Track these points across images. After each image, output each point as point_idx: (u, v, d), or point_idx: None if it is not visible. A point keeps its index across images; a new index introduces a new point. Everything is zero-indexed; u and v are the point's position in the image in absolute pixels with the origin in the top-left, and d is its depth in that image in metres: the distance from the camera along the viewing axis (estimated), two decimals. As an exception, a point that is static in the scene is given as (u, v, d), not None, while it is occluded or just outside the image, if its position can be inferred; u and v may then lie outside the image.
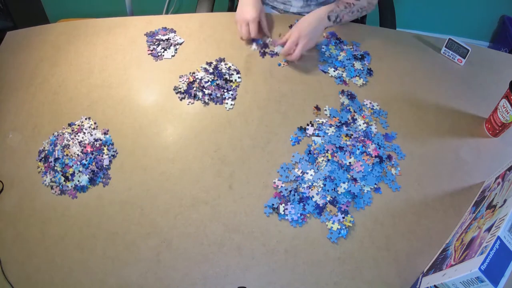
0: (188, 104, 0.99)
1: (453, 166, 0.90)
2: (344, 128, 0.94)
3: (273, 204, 0.83)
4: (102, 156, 0.90)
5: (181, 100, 1.00)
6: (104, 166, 0.88)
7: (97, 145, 0.91)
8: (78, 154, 0.89)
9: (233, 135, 0.94)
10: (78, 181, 0.86)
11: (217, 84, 1.02)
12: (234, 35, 1.14)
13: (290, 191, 0.84)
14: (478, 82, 1.06)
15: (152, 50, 1.10)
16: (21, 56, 1.11)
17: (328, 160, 0.89)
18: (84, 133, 0.93)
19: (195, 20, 1.19)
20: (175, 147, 0.92)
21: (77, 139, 0.92)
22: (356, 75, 1.05)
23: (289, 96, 1.01)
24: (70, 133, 0.93)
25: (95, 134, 0.93)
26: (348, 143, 0.91)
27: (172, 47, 1.10)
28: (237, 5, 1.49)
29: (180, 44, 1.12)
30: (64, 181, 0.86)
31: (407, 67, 1.08)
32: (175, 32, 1.15)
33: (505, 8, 2.09)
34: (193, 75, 1.04)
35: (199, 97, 1.00)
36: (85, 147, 0.91)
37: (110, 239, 0.79)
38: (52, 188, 0.86)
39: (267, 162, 0.89)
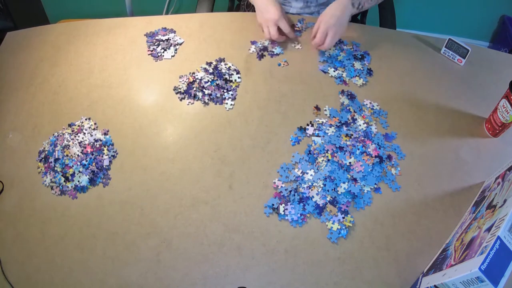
0: (188, 104, 1.00)
1: (453, 166, 0.90)
2: (344, 128, 0.94)
3: (273, 204, 0.83)
4: (102, 156, 0.90)
5: (181, 100, 1.00)
6: (104, 166, 0.88)
7: (97, 146, 0.91)
8: (78, 155, 0.90)
9: (233, 135, 0.94)
10: (78, 181, 0.86)
11: (217, 84, 1.02)
12: (234, 35, 1.14)
13: (290, 191, 0.84)
14: (478, 82, 1.06)
15: (152, 50, 1.10)
16: (21, 56, 1.11)
17: (328, 160, 0.89)
18: (84, 133, 0.93)
19: (195, 20, 1.19)
20: (175, 147, 0.92)
21: (77, 139, 0.92)
22: (356, 75, 1.05)
23: (289, 96, 1.01)
24: (70, 133, 0.93)
25: (95, 134, 0.93)
26: (348, 143, 0.91)
27: (172, 47, 1.11)
28: (237, 5, 1.50)
29: (180, 44, 1.12)
30: (64, 181, 0.86)
31: (407, 67, 1.08)
32: (175, 32, 1.15)
33: (505, 8, 2.09)
34: (193, 75, 1.04)
35: (199, 97, 1.00)
36: (85, 147, 0.91)
37: (110, 239, 0.79)
38: (52, 188, 0.86)
39: (267, 162, 0.89)
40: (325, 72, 1.06)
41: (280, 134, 0.94)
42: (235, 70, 1.06)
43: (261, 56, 1.09)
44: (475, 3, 2.07)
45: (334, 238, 0.79)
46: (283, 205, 0.83)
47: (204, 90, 1.01)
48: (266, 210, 0.82)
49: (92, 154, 0.90)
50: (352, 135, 0.93)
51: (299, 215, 0.81)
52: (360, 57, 1.09)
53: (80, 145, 0.91)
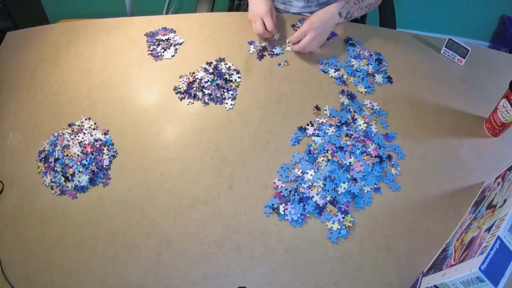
0: (188, 104, 1.00)
1: (453, 166, 0.90)
2: (344, 128, 0.94)
3: (273, 204, 0.83)
4: (102, 156, 0.90)
5: (181, 100, 1.00)
6: (104, 166, 0.88)
7: (97, 146, 0.91)
8: (78, 155, 0.90)
9: (233, 135, 0.94)
10: (78, 181, 0.86)
11: (217, 84, 1.02)
12: (234, 35, 1.14)
13: (290, 191, 0.84)
14: (478, 82, 1.06)
15: (152, 50, 1.10)
16: (21, 56, 1.11)
17: (328, 160, 0.89)
18: (84, 133, 0.93)
19: (195, 20, 1.19)
20: (175, 147, 0.92)
21: (77, 139, 0.92)
22: (368, 86, 1.03)
23: (289, 96, 1.01)
24: (70, 133, 0.93)
25: (95, 134, 0.93)
26: (348, 143, 0.91)
27: (172, 47, 1.11)
28: (237, 5, 1.50)
29: (180, 44, 1.12)
30: (64, 181, 0.86)
31: (407, 67, 1.08)
32: (175, 32, 1.15)
33: (505, 8, 2.09)
34: (193, 75, 1.04)
35: (199, 97, 1.00)
36: (85, 147, 0.91)
37: (110, 239, 0.79)
38: (52, 188, 0.86)
39: (267, 162, 0.89)
40: (325, 72, 1.06)
41: (280, 134, 0.94)
42: (235, 70, 1.06)
43: (261, 56, 1.09)
44: (475, 3, 2.07)
45: (334, 238, 0.79)
46: (283, 205, 0.83)
47: (204, 90, 1.01)
48: (266, 210, 0.82)
49: (92, 154, 0.90)
50: (352, 135, 0.93)
51: (299, 215, 0.82)
52: (376, 63, 1.07)
53: (80, 145, 0.91)
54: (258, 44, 1.11)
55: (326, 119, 0.96)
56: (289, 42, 1.11)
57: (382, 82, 1.04)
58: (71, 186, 0.86)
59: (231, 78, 1.04)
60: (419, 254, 0.77)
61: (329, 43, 1.12)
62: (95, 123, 0.95)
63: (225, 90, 1.01)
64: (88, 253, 0.78)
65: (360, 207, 0.83)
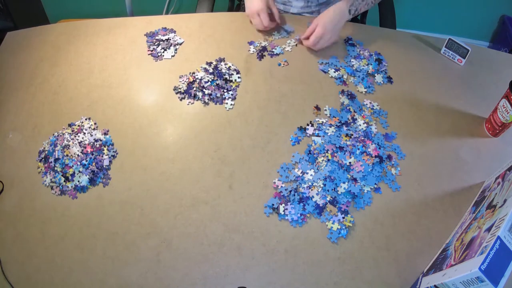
0: (188, 104, 1.00)
1: (453, 166, 0.90)
2: (344, 128, 0.94)
3: (273, 204, 0.83)
4: (102, 156, 0.90)
5: (181, 100, 1.00)
6: (104, 166, 0.88)
7: (97, 146, 0.91)
8: (78, 155, 0.90)
9: (233, 135, 0.94)
10: (78, 181, 0.86)
11: (217, 84, 1.02)
12: (234, 35, 1.14)
13: (290, 191, 0.84)
14: (478, 82, 1.06)
15: (152, 50, 1.10)
16: (21, 56, 1.11)
17: (328, 160, 0.89)
18: (84, 133, 0.93)
19: (195, 20, 1.19)
20: (175, 147, 0.92)
21: (77, 139, 0.92)
22: (368, 86, 1.03)
23: (289, 96, 1.01)
24: (70, 133, 0.93)
25: (95, 134, 0.93)
26: (348, 143, 0.91)
27: (172, 47, 1.11)
28: (237, 5, 1.50)
29: (180, 44, 1.12)
30: (64, 181, 0.86)
31: (407, 67, 1.08)
32: (175, 32, 1.15)
33: (505, 8, 2.09)
34: (193, 75, 1.04)
35: (199, 97, 1.00)
36: (85, 147, 0.91)
37: (110, 239, 0.79)
38: (52, 188, 0.86)
39: (267, 162, 0.89)
40: (325, 72, 1.06)
41: (280, 134, 0.94)
42: (235, 70, 1.06)
43: (261, 56, 1.09)
44: (475, 3, 2.07)
45: (334, 238, 0.79)
46: (283, 205, 0.83)
47: (204, 90, 1.01)
48: (266, 210, 0.82)
49: (92, 154, 0.90)
50: (352, 135, 0.93)
51: (299, 215, 0.81)
52: (376, 64, 1.07)
53: (80, 145, 0.91)
54: (258, 44, 1.11)
55: (326, 119, 0.96)
56: (298, 39, 1.11)
57: (382, 82, 1.04)
58: (71, 186, 0.86)
59: (231, 78, 1.04)
60: (419, 254, 0.77)
61: (329, 43, 1.12)
62: (95, 123, 0.95)
63: (225, 90, 1.01)
64: (88, 253, 0.78)
65: (360, 207, 0.83)
